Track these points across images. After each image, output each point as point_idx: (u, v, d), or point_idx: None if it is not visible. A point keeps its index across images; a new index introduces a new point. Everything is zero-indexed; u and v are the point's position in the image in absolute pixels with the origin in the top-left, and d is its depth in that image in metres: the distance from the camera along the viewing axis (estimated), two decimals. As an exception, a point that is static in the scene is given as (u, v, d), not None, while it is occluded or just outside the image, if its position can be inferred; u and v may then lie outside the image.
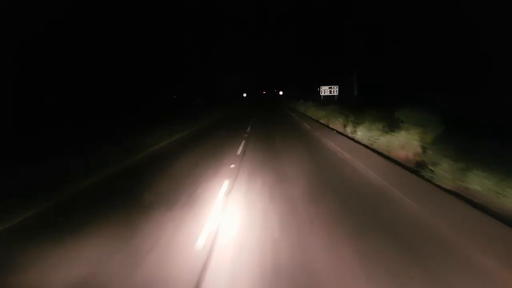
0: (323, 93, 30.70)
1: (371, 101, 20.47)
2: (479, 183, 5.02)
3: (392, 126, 9.01)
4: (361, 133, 10.99)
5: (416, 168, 6.80)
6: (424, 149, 7.16)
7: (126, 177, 7.22)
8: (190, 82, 43.27)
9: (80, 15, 17.87)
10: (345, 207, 4.70)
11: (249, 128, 15.15)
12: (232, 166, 7.44)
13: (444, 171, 5.91)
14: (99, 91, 20.64)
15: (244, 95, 76.08)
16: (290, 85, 70.50)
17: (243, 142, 11.02)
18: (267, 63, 76.51)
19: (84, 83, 19.68)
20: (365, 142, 10.29)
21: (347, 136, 11.72)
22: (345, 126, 13.09)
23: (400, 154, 7.97)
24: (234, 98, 63.63)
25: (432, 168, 6.20)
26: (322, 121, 17.65)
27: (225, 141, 11.49)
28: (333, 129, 13.65)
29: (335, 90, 30.26)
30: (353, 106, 18.40)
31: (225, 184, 5.93)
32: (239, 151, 9.30)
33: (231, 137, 12.29)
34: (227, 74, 61.82)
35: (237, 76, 68.54)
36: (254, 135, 12.87)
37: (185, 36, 39.09)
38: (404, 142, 8.02)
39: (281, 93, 75.52)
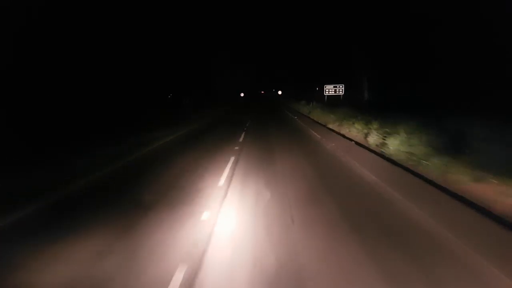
0: (327, 92, 27.69)
1: (386, 105, 17.63)
2: None
3: (457, 143, 6.01)
4: (394, 148, 7.96)
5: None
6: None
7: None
8: (187, 81, 40.48)
9: (79, 15, 15.58)
10: None
11: (242, 137, 12.10)
12: (205, 217, 4.37)
13: None
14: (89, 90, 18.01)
15: (242, 94, 73.14)
16: (290, 85, 67.74)
17: (232, 160, 7.97)
18: (266, 62, 73.92)
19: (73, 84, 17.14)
20: (402, 160, 7.25)
21: (372, 151, 8.67)
22: (366, 136, 10.06)
23: (484, 190, 4.95)
24: (231, 97, 60.77)
25: None
26: (330, 126, 14.63)
27: (208, 158, 8.40)
28: (350, 139, 10.60)
29: (340, 90, 27.29)
30: (370, 109, 15.42)
31: (176, 280, 2.88)
32: (222, 180, 6.24)
33: (216, 152, 9.22)
34: (224, 74, 59.03)
35: (234, 75, 65.75)
36: (248, 148, 9.83)
37: (183, 33, 36.66)
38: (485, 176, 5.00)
39: (280, 92, 72.83)
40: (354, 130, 11.72)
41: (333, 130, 13.22)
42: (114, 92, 20.67)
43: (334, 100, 27.52)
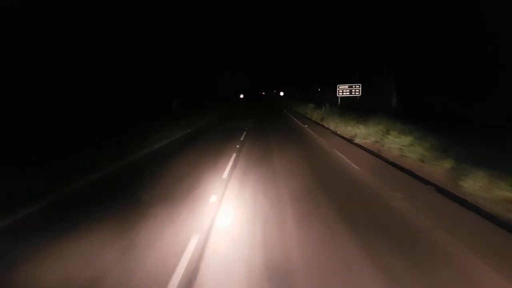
0: (340, 93, 23.08)
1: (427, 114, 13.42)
2: None
3: None
4: None
5: None
6: None
7: None
8: (185, 82, 37.00)
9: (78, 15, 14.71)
10: None
11: (230, 164, 7.50)
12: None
13: None
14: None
15: (241, 96, 68.61)
16: (292, 85, 63.41)
17: (194, 241, 3.39)
18: (267, 61, 70.05)
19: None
20: None
21: (494, 218, 4.06)
22: (457, 177, 5.42)
23: None
24: (231, 98, 56.31)
25: None
26: (358, 141, 10.07)
27: (165, 215, 3.93)
28: (420, 177, 5.94)
29: (357, 90, 22.70)
30: (408, 119, 10.90)
31: None
32: None
33: (188, 195, 4.76)
34: (224, 74, 54.73)
35: (234, 75, 61.32)
36: (239, 188, 5.31)
37: (182, 33, 33.45)
38: None
39: (281, 93, 68.61)
40: (413, 156, 7.10)
41: (372, 153, 8.55)
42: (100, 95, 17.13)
43: (350, 102, 22.88)
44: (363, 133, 10.51)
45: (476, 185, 4.91)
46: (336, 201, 4.91)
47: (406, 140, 7.71)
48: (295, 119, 19.94)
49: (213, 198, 5.11)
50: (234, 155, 8.65)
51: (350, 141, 10.69)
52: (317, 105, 23.75)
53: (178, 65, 34.16)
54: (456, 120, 11.05)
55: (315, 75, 46.35)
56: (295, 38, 46.50)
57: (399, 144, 7.96)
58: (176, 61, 33.70)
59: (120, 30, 19.82)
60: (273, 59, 66.83)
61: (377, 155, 8.17)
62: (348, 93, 22.73)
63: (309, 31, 42.16)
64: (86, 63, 15.62)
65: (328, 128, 14.43)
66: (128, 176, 7.25)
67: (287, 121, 19.50)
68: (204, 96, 44.64)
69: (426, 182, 5.64)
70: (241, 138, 11.95)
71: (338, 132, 12.99)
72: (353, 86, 22.57)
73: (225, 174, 6.64)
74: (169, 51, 31.52)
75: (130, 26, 21.63)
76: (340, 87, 22.90)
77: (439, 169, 6.00)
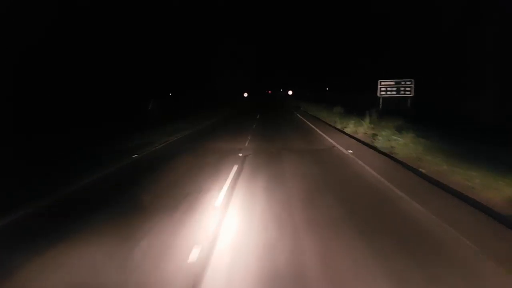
0: (383, 92, 16.15)
1: None
2: None
3: None
4: None
5: None
6: None
7: None
8: (181, 80, 32.02)
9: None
10: None
11: None
12: None
13: None
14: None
15: (245, 95, 62.09)
16: (301, 85, 56.58)
17: None
18: (272, 60, 63.91)
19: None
20: None
21: None
22: None
23: None
24: (233, 98, 50.04)
25: None
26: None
27: None
28: None
29: (407, 88, 15.72)
30: None
31: None
32: None
33: None
34: (222, 74, 48.59)
35: (234, 75, 54.86)
36: None
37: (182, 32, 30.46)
38: None
39: (290, 93, 61.98)
40: None
41: None
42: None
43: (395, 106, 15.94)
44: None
45: None
46: None
47: None
48: (321, 133, 13.00)
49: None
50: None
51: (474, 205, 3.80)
52: (332, 106, 16.82)
53: (169, 61, 28.68)
54: None
55: (326, 74, 39.72)
56: (310, 32, 40.77)
57: None
58: (166, 55, 27.93)
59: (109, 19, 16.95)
60: (281, 55, 60.71)
61: None
62: (394, 93, 15.76)
63: (330, 22, 35.91)
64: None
65: (394, 158, 7.49)
66: None
67: (309, 137, 12.50)
68: (202, 96, 38.60)
69: None
70: (225, 186, 5.12)
71: (424, 171, 6.15)
72: (402, 83, 15.59)
73: None
74: (159, 44, 25.95)
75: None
76: (382, 83, 15.92)
77: None
